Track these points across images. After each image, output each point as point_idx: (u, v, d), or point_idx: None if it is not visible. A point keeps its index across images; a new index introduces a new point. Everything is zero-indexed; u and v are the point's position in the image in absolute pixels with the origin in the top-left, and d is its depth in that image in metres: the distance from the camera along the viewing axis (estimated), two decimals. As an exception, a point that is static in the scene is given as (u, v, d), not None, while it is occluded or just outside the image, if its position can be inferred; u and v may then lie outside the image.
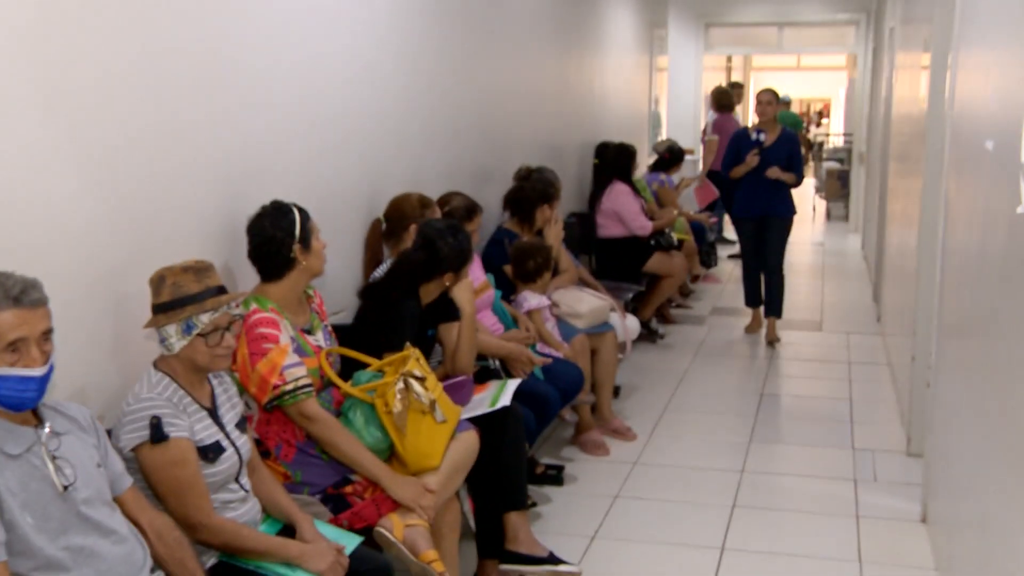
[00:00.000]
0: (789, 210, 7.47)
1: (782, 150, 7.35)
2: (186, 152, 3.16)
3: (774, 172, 7.24)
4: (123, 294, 2.87)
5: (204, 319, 2.66)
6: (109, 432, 2.57)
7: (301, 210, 3.33)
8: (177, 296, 2.65)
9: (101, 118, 2.78)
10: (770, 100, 7.38)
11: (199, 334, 2.66)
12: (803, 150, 15.79)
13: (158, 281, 2.68)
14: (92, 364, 2.79)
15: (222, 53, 3.34)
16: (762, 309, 7.71)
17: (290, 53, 3.79)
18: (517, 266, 5.23)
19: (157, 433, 2.56)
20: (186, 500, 2.60)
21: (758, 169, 7.28)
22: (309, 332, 3.37)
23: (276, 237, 3.26)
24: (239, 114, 3.45)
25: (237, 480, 2.80)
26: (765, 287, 7.62)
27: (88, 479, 2.30)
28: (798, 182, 7.39)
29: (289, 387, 3.12)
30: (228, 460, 2.74)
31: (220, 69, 3.33)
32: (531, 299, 5.12)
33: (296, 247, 3.27)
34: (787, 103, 17.81)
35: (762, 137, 7.39)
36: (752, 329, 7.87)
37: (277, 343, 3.13)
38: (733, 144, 7.59)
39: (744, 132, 7.65)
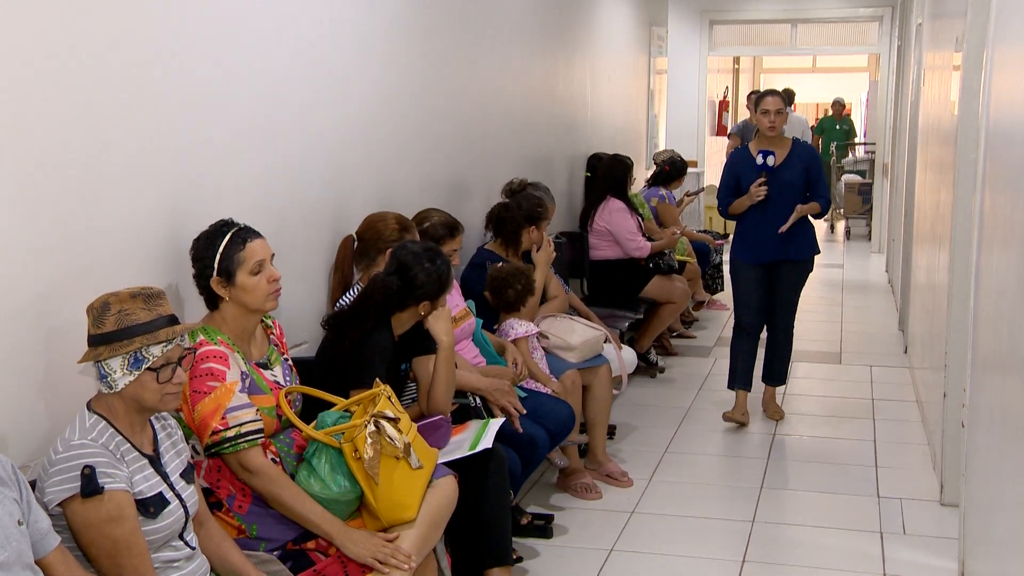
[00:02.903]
0: (811, 249, 6.35)
1: (795, 169, 6.18)
2: (125, 165, 3.12)
3: (797, 214, 6.11)
4: (53, 323, 2.82)
5: (155, 352, 2.63)
6: (33, 484, 2.52)
7: (237, 234, 3.23)
8: (125, 325, 2.61)
9: (24, 125, 2.73)
10: (780, 109, 6.10)
11: (149, 368, 2.62)
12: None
13: (101, 309, 2.64)
14: (15, 405, 2.74)
15: (166, 53, 3.31)
16: (747, 396, 6.47)
17: (244, 53, 3.77)
18: (497, 296, 5.20)
19: (90, 485, 2.51)
20: (122, 561, 2.55)
21: (766, 201, 6.10)
22: (266, 367, 3.32)
23: (195, 267, 3.24)
24: (185, 122, 3.42)
25: (182, 536, 2.76)
26: (767, 349, 6.53)
27: (6, 539, 2.24)
28: (825, 209, 6.29)
29: (230, 433, 3.07)
30: (172, 514, 2.70)
31: (163, 70, 3.30)
32: (518, 327, 5.10)
33: (215, 280, 3.21)
34: (842, 105, 17.42)
35: (770, 160, 6.13)
36: (734, 418, 6.42)
37: (224, 381, 3.09)
38: (731, 170, 6.34)
39: (744, 153, 6.33)
